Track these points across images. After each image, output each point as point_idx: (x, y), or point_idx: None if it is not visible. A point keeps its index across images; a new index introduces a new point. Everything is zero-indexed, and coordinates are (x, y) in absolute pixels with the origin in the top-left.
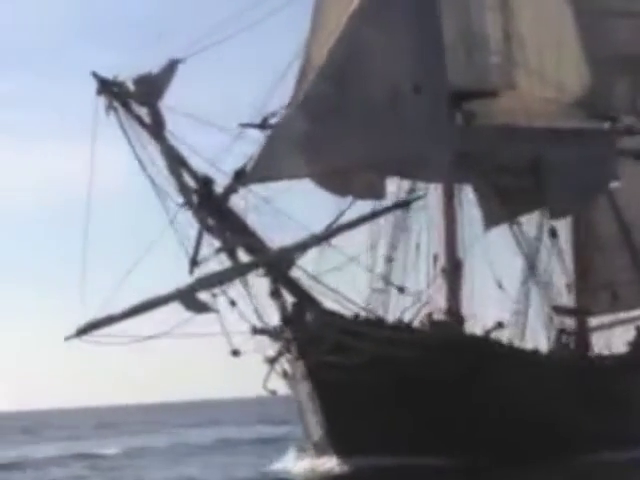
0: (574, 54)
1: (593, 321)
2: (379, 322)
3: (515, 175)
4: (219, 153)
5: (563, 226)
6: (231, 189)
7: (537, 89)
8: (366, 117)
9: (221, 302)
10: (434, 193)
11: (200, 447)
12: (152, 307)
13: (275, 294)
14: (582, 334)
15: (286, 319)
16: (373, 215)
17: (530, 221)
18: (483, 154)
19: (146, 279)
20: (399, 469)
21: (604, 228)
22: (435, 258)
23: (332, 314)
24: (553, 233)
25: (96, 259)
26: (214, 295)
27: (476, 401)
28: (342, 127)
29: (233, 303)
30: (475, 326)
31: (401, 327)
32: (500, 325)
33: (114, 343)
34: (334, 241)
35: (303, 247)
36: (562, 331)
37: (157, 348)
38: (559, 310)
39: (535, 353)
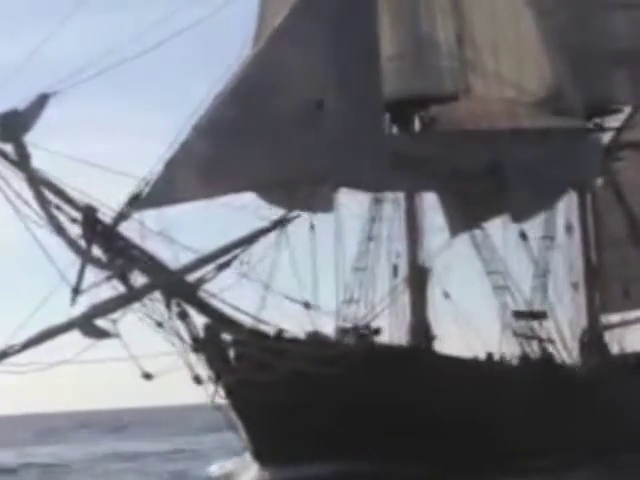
0: (534, 53)
1: (604, 320)
2: (298, 338)
3: (475, 180)
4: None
5: (574, 222)
6: (122, 215)
7: (496, 91)
8: (275, 136)
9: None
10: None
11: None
12: (50, 337)
13: (181, 315)
14: (596, 334)
15: (195, 340)
16: (252, 237)
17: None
18: (440, 160)
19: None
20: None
21: (614, 223)
22: (395, 268)
23: (253, 332)
24: (523, 236)
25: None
26: (113, 321)
27: (402, 410)
28: (246, 148)
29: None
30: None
31: (322, 342)
32: (432, 338)
33: (14, 372)
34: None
35: (192, 267)
36: (522, 336)
37: None
38: (519, 315)
39: (473, 361)
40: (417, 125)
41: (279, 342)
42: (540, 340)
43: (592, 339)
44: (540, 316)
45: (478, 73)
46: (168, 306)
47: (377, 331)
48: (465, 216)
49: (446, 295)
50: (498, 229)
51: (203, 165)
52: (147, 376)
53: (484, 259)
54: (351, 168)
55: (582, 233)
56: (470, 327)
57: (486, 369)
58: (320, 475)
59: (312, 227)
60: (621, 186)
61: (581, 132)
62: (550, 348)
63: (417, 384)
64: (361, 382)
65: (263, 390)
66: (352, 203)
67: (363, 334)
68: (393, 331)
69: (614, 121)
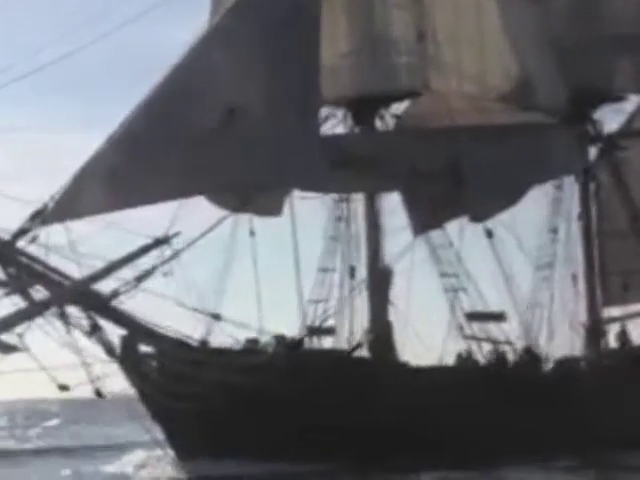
0: (498, 46)
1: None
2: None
3: (435, 179)
4: None
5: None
6: (23, 231)
7: (457, 87)
8: (189, 145)
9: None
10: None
11: None
12: None
13: (92, 327)
14: (596, 329)
15: (110, 352)
16: (136, 254)
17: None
18: (396, 159)
19: None
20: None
21: (615, 214)
22: (352, 270)
23: (176, 343)
24: (489, 234)
25: None
26: (19, 335)
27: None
28: (157, 159)
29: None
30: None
31: (245, 351)
32: (359, 345)
33: None
34: None
35: (85, 282)
36: (472, 339)
37: None
38: (472, 317)
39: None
40: (379, 123)
41: (201, 353)
42: (494, 342)
43: (592, 332)
44: (497, 318)
45: (438, 69)
46: (66, 322)
47: (300, 342)
48: (427, 216)
49: (390, 302)
50: (465, 228)
51: (110, 178)
52: (63, 387)
53: (438, 261)
54: (275, 173)
55: (584, 224)
56: (414, 331)
57: (417, 373)
58: (242, 474)
59: (252, 233)
60: (626, 176)
61: (549, 128)
62: (507, 350)
63: (340, 391)
64: (284, 390)
65: (185, 399)
66: (315, 203)
67: (291, 342)
68: (349, 335)
69: (616, 109)
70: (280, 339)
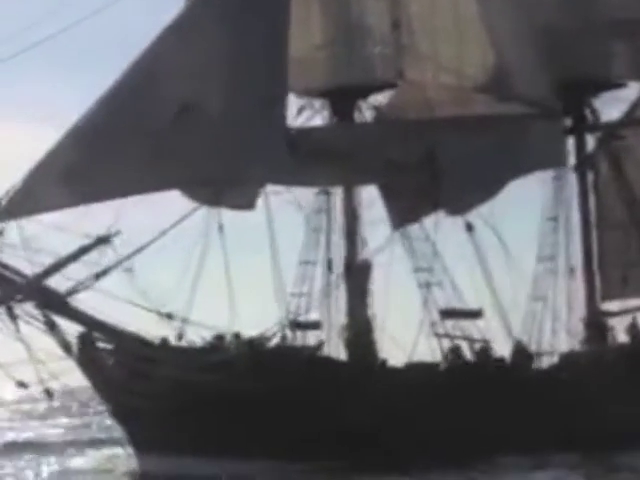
0: (475, 36)
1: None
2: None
3: (411, 172)
4: None
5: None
6: None
7: (433, 77)
8: (146, 140)
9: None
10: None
11: None
12: None
13: (49, 325)
14: (599, 323)
15: (66, 349)
16: (76, 254)
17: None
18: (371, 152)
19: None
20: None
21: (613, 205)
22: (329, 263)
23: (135, 340)
24: (469, 227)
25: None
26: None
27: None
28: (113, 155)
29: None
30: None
31: (204, 349)
32: (320, 345)
33: None
34: None
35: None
36: (446, 337)
37: None
38: (445, 314)
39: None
40: (357, 115)
41: (160, 350)
42: (470, 340)
43: (591, 326)
44: (473, 315)
45: (414, 59)
46: (13, 318)
47: (266, 339)
48: (405, 210)
49: (370, 297)
50: (441, 222)
51: (68, 173)
52: (21, 385)
53: (413, 255)
54: (236, 167)
55: (582, 215)
56: (388, 328)
57: (375, 371)
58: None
59: (221, 228)
60: (625, 166)
61: (529, 119)
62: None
63: (299, 388)
64: (244, 389)
65: (142, 397)
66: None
67: (251, 340)
68: (327, 329)
69: (614, 97)
70: (239, 337)
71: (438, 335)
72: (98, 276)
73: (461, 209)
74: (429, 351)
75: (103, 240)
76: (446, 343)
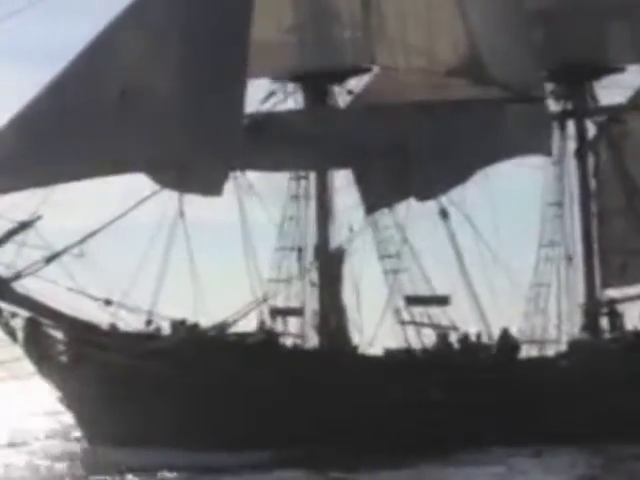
0: (447, 19)
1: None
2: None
3: (383, 157)
4: None
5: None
6: None
7: (404, 61)
8: (90, 126)
9: None
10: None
11: None
12: None
13: None
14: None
15: (11, 334)
16: (4, 237)
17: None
18: (342, 137)
19: None
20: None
21: (613, 191)
22: (300, 251)
23: (82, 325)
24: (444, 214)
25: None
26: None
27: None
28: (56, 141)
29: None
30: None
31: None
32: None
33: None
34: None
35: None
36: (411, 324)
37: None
38: (411, 301)
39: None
40: (331, 100)
41: (107, 336)
42: (437, 327)
43: (591, 314)
44: (439, 301)
45: (384, 43)
46: None
47: (227, 325)
48: (378, 195)
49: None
50: (411, 208)
51: (8, 159)
52: None
53: (380, 241)
54: (183, 150)
55: (582, 201)
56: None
57: (327, 359)
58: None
59: (182, 214)
60: (625, 151)
61: (504, 103)
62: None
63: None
64: (185, 376)
65: (87, 381)
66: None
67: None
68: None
69: (613, 82)
70: (177, 325)
71: (403, 322)
72: (48, 260)
73: (430, 194)
74: (394, 338)
75: (26, 225)
76: (411, 330)
